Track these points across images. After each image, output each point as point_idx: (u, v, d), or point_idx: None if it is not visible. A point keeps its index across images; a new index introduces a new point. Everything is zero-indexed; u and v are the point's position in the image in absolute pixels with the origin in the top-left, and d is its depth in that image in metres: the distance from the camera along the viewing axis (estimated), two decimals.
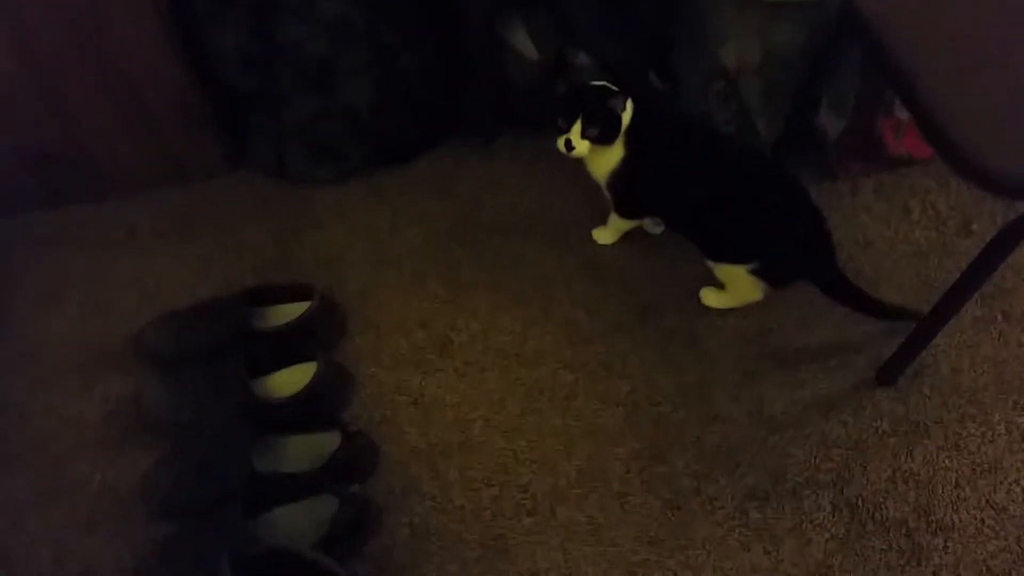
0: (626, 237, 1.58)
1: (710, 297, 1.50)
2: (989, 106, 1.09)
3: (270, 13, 1.42)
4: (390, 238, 1.60)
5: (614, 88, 1.36)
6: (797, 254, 1.34)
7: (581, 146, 1.35)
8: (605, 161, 1.39)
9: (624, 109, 1.36)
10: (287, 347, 1.35)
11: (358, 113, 1.56)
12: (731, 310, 1.50)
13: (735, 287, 1.44)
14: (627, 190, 1.44)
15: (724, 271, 1.42)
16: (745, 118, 1.52)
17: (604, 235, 1.59)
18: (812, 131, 1.62)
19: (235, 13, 1.43)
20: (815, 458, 1.34)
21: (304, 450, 1.29)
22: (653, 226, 1.58)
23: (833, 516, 1.29)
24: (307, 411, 1.29)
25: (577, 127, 1.34)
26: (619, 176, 1.40)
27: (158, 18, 1.41)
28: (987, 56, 1.14)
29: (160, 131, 1.56)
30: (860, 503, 1.30)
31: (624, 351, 1.45)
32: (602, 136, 1.35)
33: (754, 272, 1.36)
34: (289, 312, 1.40)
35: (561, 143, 1.36)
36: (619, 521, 1.29)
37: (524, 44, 1.61)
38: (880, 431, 1.37)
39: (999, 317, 1.50)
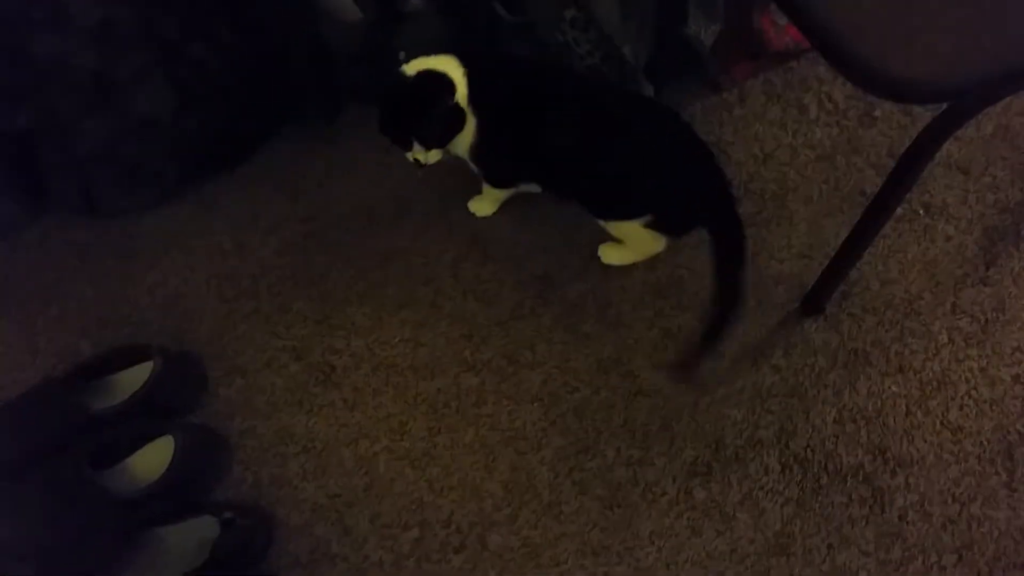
0: (508, 204, 1.42)
1: (610, 255, 1.37)
2: (881, 11, 0.94)
3: (22, 32, 1.18)
4: (237, 260, 1.40)
5: (438, 74, 1.17)
6: (690, 200, 1.20)
7: (432, 156, 1.21)
8: (460, 137, 1.21)
9: (455, 95, 1.17)
10: (137, 424, 1.16)
11: (160, 123, 1.34)
12: (636, 265, 1.36)
13: (633, 242, 1.30)
14: (492, 159, 1.28)
15: (617, 228, 1.28)
16: (608, 46, 1.36)
17: (482, 206, 1.43)
18: (685, 43, 1.46)
19: None
20: (753, 414, 1.25)
21: (185, 539, 1.12)
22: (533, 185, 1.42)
23: (783, 476, 1.20)
24: (176, 495, 1.12)
25: (416, 146, 1.19)
26: (479, 148, 1.23)
27: None
28: None
29: None
30: (810, 455, 1.21)
31: (529, 337, 1.31)
32: (446, 137, 1.20)
33: (649, 226, 1.21)
34: (133, 379, 1.21)
35: (410, 159, 1.20)
36: (557, 536, 1.17)
37: (343, 4, 1.39)
38: (817, 369, 1.27)
39: (921, 212, 1.41)
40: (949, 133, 0.97)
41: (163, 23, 1.27)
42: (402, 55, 1.21)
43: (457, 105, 1.17)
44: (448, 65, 1.19)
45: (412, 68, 1.19)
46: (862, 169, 1.45)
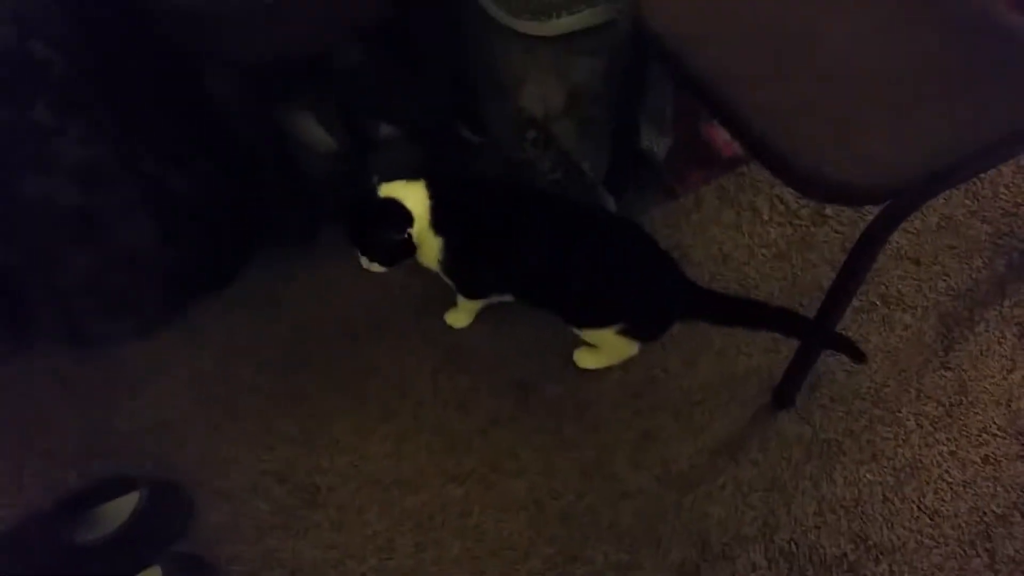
0: (483, 313, 1.47)
1: (585, 359, 1.41)
2: (808, 110, 1.03)
3: (9, 173, 1.22)
4: (220, 383, 1.42)
5: (398, 205, 1.24)
6: (658, 306, 1.26)
7: (373, 266, 1.26)
8: (427, 253, 1.28)
9: (409, 230, 1.25)
10: (123, 556, 1.16)
11: (144, 254, 1.38)
12: (611, 367, 1.40)
13: (607, 347, 1.35)
14: (462, 273, 1.34)
15: (591, 335, 1.33)
16: (567, 163, 1.44)
17: (458, 318, 1.47)
18: (638, 157, 1.55)
19: None
20: (736, 511, 1.27)
21: None
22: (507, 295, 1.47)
23: (771, 571, 1.22)
24: None
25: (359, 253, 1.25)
26: (449, 263, 1.29)
27: None
28: (791, 50, 1.09)
29: None
30: (794, 548, 1.24)
31: (511, 444, 1.34)
32: (392, 261, 1.27)
33: (621, 332, 1.26)
34: (120, 510, 1.21)
35: (362, 263, 1.28)
36: None
37: (316, 134, 1.46)
38: (793, 461, 1.31)
39: (877, 303, 1.47)
40: (892, 228, 1.04)
41: (144, 158, 1.32)
42: (375, 179, 1.27)
43: (407, 238, 1.24)
44: (414, 192, 1.25)
45: (383, 191, 1.25)
46: (817, 265, 1.53)
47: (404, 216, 1.22)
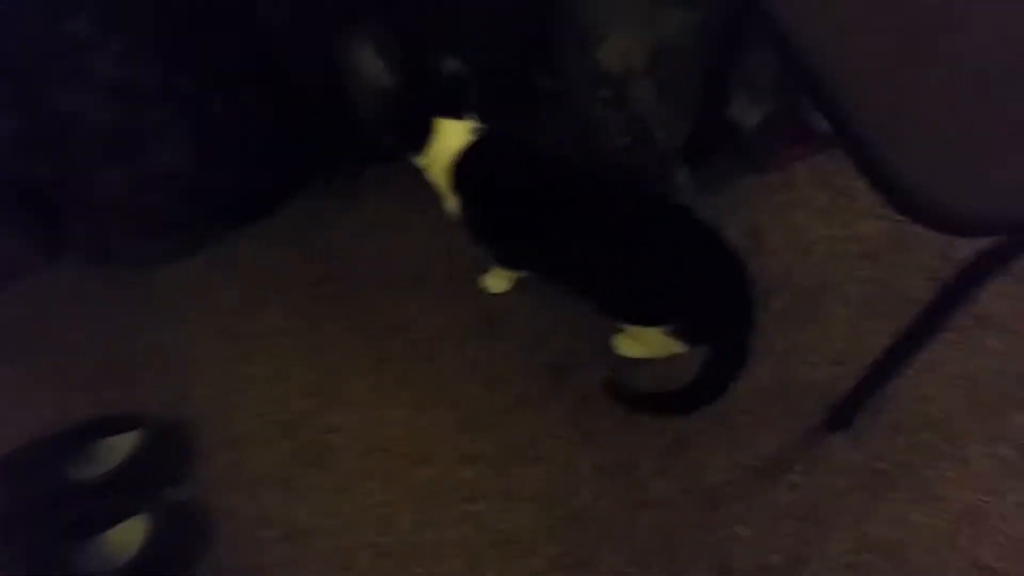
0: (525, 282, 1.40)
1: (626, 345, 1.33)
2: (929, 118, 0.88)
3: (39, 86, 1.20)
4: (246, 320, 1.40)
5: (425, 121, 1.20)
6: (715, 313, 1.15)
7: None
8: (451, 207, 1.23)
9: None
10: (116, 499, 1.16)
11: (180, 176, 1.36)
12: (653, 359, 1.32)
13: (651, 342, 1.26)
14: (486, 243, 1.28)
15: (633, 330, 1.24)
16: (640, 128, 1.32)
17: (495, 282, 1.41)
18: (726, 125, 1.42)
19: None
20: (764, 536, 1.19)
21: None
22: None
23: None
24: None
25: None
26: (469, 229, 1.24)
27: None
28: (923, 36, 0.93)
29: None
30: None
31: (532, 430, 1.29)
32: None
33: (669, 334, 1.17)
34: (119, 448, 1.22)
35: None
36: None
37: (373, 67, 1.38)
38: (837, 490, 1.22)
39: (969, 321, 1.33)
40: (1007, 262, 0.91)
41: (184, 81, 1.28)
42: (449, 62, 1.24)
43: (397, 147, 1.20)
44: (456, 131, 1.20)
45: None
46: (909, 271, 1.39)
47: (423, 130, 1.17)
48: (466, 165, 1.20)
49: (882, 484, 1.22)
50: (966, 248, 1.37)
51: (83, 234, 1.45)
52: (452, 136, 1.20)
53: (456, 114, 1.22)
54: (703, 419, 1.27)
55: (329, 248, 1.48)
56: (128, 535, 1.17)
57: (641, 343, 1.31)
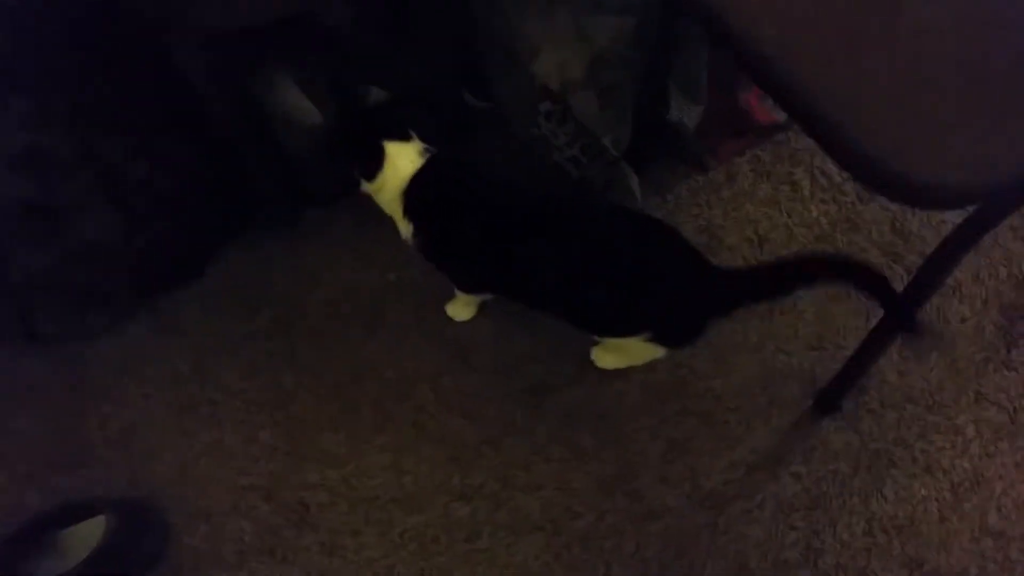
0: (490, 307, 1.37)
1: (604, 358, 1.31)
2: (891, 96, 0.89)
3: None
4: (197, 385, 1.32)
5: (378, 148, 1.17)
6: (689, 309, 1.14)
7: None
8: (404, 233, 1.21)
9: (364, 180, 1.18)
10: None
11: (108, 246, 1.27)
12: (633, 367, 1.29)
13: (630, 351, 1.23)
14: (443, 268, 1.26)
15: (612, 341, 1.21)
16: (586, 137, 1.31)
17: (458, 310, 1.37)
18: (667, 127, 1.42)
19: None
20: (777, 532, 1.18)
21: None
22: None
23: None
24: None
25: None
26: (425, 255, 1.22)
27: None
28: (870, 26, 0.94)
29: None
30: (841, 574, 1.14)
31: (523, 456, 1.24)
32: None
33: (647, 340, 1.15)
34: (86, 536, 1.12)
35: None
36: None
37: (298, 104, 1.33)
38: (840, 475, 1.21)
39: None
40: (981, 234, 0.92)
41: (102, 145, 1.20)
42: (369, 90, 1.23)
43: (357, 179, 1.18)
44: (407, 153, 1.18)
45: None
46: (865, 248, 1.41)
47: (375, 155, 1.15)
48: (418, 189, 1.17)
49: (881, 464, 1.23)
50: (915, 222, 1.41)
51: (4, 316, 1.33)
52: (402, 159, 1.17)
53: (403, 136, 1.17)
54: (692, 421, 1.26)
55: (274, 297, 1.41)
56: None
57: (620, 353, 1.29)
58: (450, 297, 1.36)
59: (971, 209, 0.91)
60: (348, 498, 1.22)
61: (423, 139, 1.20)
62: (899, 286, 1.27)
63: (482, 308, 1.36)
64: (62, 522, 1.15)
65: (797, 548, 1.16)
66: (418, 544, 1.19)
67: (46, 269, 1.25)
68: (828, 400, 1.26)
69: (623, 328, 1.15)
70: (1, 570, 1.09)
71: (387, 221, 1.22)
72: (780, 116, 1.50)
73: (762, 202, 1.48)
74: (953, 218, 1.38)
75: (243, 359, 1.35)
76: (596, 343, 1.30)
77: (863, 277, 1.06)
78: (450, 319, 1.37)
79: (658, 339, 1.14)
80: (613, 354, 1.29)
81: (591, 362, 1.31)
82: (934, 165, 0.80)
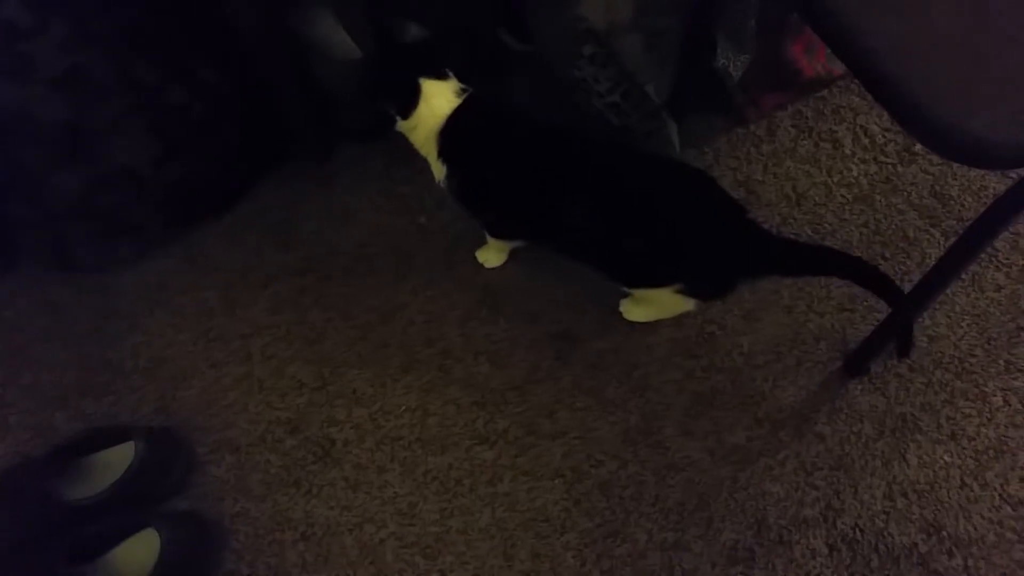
0: (520, 254, 1.39)
1: (633, 311, 1.33)
2: (953, 46, 0.89)
3: None
4: (226, 318, 1.36)
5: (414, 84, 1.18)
6: (725, 263, 1.16)
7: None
8: (437, 175, 1.23)
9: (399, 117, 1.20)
10: (119, 515, 1.12)
11: (140, 172, 1.30)
12: (662, 320, 1.32)
13: (659, 303, 1.26)
14: (477, 213, 1.27)
15: (642, 292, 1.24)
16: (629, 83, 1.32)
17: (488, 256, 1.39)
18: (711, 76, 1.43)
19: None
20: (797, 490, 1.21)
21: None
22: None
23: (831, 560, 1.17)
24: None
25: None
26: (458, 199, 1.24)
27: None
28: None
29: None
30: (859, 535, 1.18)
31: (548, 403, 1.28)
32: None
33: (679, 292, 1.17)
34: (114, 462, 1.17)
35: None
36: None
37: (335, 38, 1.35)
38: (864, 437, 1.24)
39: None
40: None
41: (139, 67, 1.23)
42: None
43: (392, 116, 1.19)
44: (443, 92, 1.19)
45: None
46: (903, 211, 1.42)
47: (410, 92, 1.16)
48: (453, 129, 1.18)
49: (906, 428, 1.25)
50: (955, 186, 1.42)
51: (38, 241, 1.38)
52: (438, 98, 1.19)
53: (439, 75, 1.18)
54: (719, 377, 1.29)
55: (306, 234, 1.44)
56: (136, 553, 1.12)
57: (649, 306, 1.31)
58: (481, 243, 1.38)
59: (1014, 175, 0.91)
60: (374, 436, 1.26)
61: (460, 79, 1.20)
62: (936, 251, 1.30)
63: (513, 255, 1.38)
64: (92, 446, 1.19)
65: (817, 507, 1.19)
66: (440, 484, 1.22)
67: (78, 194, 1.28)
68: (857, 362, 1.28)
69: (656, 278, 1.17)
70: (31, 492, 1.14)
71: (420, 162, 1.24)
72: (824, 71, 1.50)
73: (802, 159, 1.49)
74: (995, 184, 1.40)
75: (272, 295, 1.38)
76: (625, 295, 1.31)
77: (889, 297, 1.14)
78: (480, 265, 1.39)
79: (690, 291, 1.16)
80: (643, 306, 1.31)
81: (619, 314, 1.33)
82: (992, 121, 0.81)
